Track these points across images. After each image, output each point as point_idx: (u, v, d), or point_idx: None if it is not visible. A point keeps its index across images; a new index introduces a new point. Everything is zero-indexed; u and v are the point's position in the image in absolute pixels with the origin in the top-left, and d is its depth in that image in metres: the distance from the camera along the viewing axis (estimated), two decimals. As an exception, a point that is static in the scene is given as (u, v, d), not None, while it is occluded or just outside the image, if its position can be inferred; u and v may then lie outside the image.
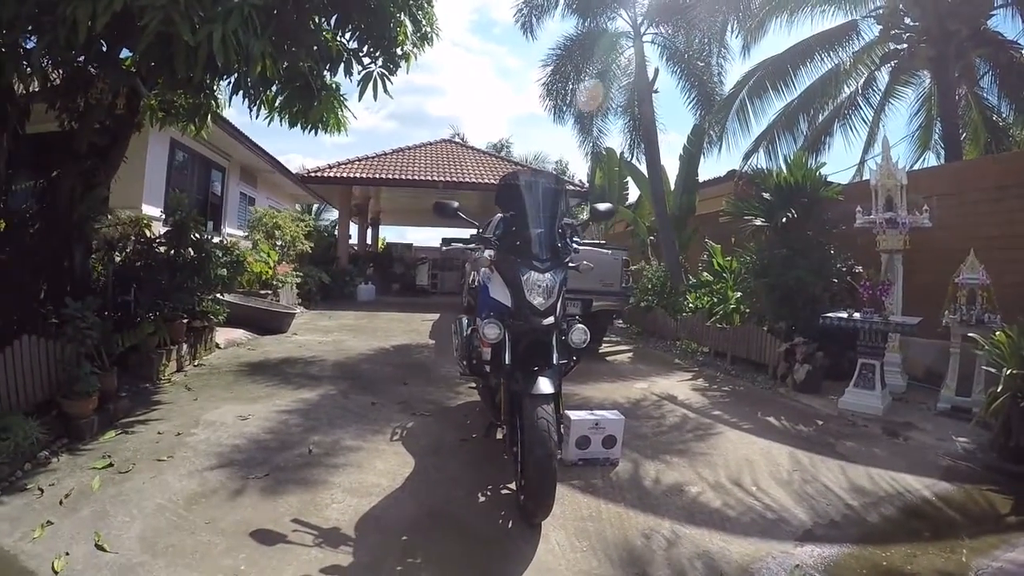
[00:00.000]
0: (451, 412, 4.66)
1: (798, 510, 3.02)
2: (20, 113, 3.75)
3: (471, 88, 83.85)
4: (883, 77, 10.61)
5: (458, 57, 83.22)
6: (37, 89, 3.87)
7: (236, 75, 4.09)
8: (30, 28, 2.94)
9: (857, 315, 4.88)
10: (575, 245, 3.38)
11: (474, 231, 3.51)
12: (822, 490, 3.29)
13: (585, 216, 17.63)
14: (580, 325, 3.06)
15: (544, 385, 2.73)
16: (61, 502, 2.79)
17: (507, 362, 2.94)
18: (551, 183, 3.27)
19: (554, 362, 2.93)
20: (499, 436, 3.10)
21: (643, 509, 2.98)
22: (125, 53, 4.30)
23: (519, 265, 2.96)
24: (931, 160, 12.03)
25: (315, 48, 4.40)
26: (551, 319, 2.94)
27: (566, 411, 3.57)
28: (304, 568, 2.33)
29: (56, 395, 3.66)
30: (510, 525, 2.77)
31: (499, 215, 3.50)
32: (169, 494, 2.92)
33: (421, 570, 2.38)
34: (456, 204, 3.48)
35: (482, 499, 3.06)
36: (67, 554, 2.36)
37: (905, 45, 9.45)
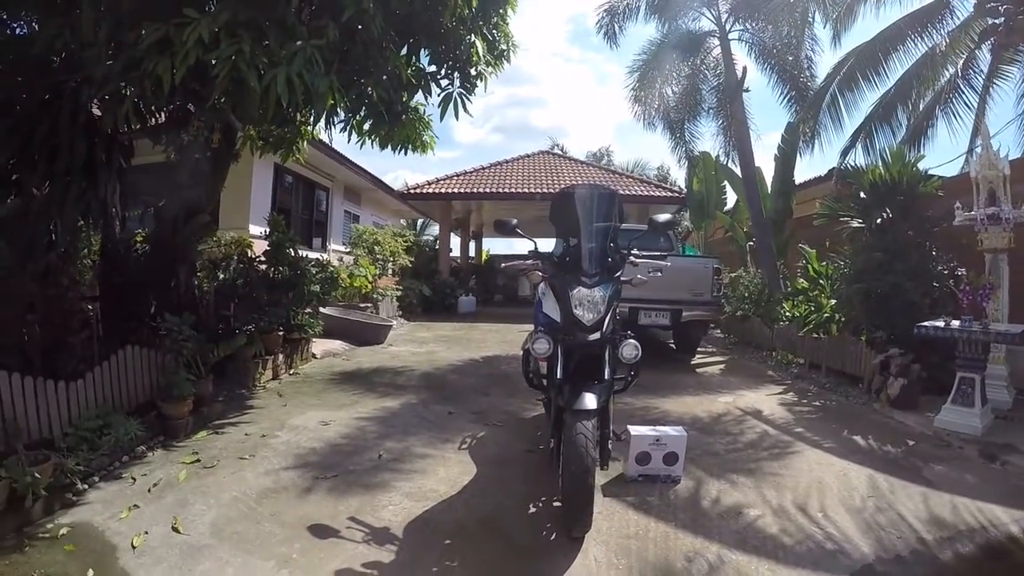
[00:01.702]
0: (524, 423, 4.70)
1: (862, 541, 2.76)
2: (124, 151, 4.32)
3: (573, 97, 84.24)
4: (985, 56, 9.28)
5: (558, 67, 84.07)
6: (139, 127, 4.41)
7: (313, 109, 4.44)
8: (123, 83, 3.41)
9: (955, 323, 4.39)
10: (632, 257, 3.34)
11: (532, 246, 3.54)
12: (895, 520, 2.99)
13: (686, 223, 17.10)
14: (632, 340, 2.99)
15: (586, 400, 2.71)
16: (149, 490, 3.17)
17: (558, 376, 2.97)
18: (602, 195, 3.25)
19: (605, 377, 2.92)
20: None
21: (694, 531, 2.87)
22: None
23: (568, 281, 2.99)
24: (1043, 145, 10.45)
25: (385, 77, 4.67)
26: (597, 334, 2.93)
27: (628, 426, 3.54)
28: (348, 562, 2.50)
29: (156, 398, 4.14)
30: (552, 537, 2.77)
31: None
32: (244, 488, 3.23)
33: (455, 572, 2.46)
34: (515, 221, 3.52)
35: (532, 510, 3.09)
36: (146, 533, 2.70)
37: (1002, 18, 8.31)
